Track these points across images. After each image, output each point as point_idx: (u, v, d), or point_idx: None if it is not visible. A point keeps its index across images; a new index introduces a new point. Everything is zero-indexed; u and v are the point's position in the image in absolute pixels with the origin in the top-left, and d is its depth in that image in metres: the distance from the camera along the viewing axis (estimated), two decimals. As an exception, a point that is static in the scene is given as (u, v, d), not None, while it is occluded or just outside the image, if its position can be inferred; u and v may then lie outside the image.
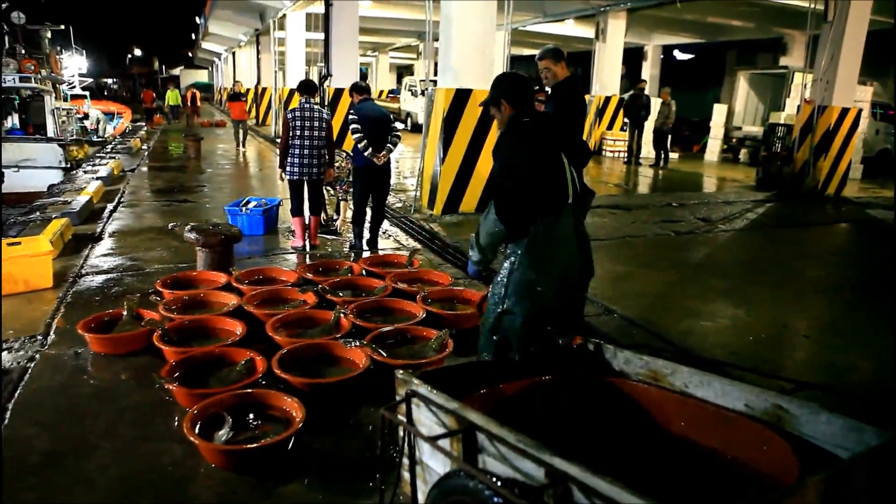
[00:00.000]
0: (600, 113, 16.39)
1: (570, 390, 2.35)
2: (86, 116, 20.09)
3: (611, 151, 16.33)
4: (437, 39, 8.68)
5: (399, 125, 6.45)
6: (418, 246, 6.80)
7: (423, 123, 8.68)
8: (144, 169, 12.69)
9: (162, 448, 2.96)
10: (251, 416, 3.09)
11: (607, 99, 16.33)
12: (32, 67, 15.11)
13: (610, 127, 16.63)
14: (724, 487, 1.99)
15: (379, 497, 2.18)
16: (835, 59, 10.52)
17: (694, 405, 2.17)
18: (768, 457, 1.89)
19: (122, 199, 9.10)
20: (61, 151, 13.93)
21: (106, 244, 6.58)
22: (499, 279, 2.92)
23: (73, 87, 22.96)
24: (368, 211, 6.44)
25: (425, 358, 3.74)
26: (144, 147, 16.67)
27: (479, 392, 2.17)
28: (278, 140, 8.06)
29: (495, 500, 1.64)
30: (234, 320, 4.15)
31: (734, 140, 17.10)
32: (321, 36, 12.46)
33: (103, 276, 5.49)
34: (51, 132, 14.91)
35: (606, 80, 16.19)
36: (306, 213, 6.44)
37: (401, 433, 2.08)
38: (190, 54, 56.49)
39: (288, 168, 6.14)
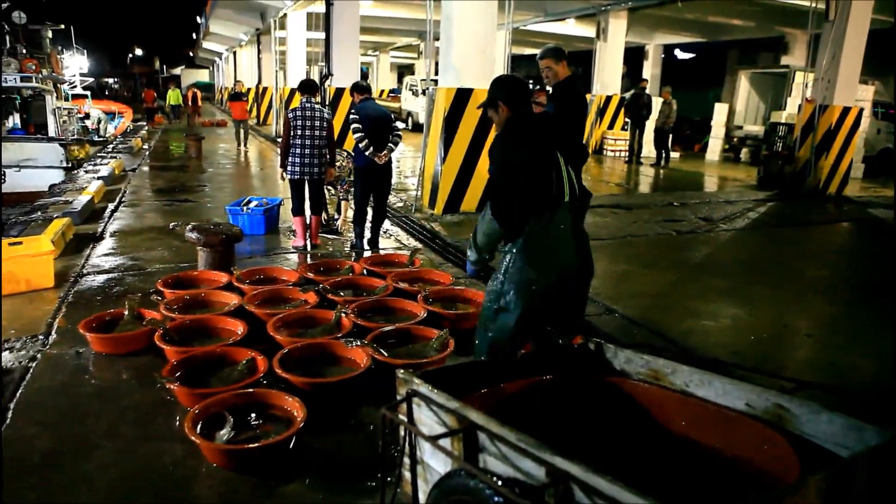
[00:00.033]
0: (601, 112, 16.38)
1: (570, 390, 2.35)
2: (87, 116, 20.10)
3: (612, 151, 16.33)
4: (437, 39, 8.68)
5: (400, 125, 6.45)
6: (419, 245, 6.80)
7: (424, 123, 8.68)
8: (146, 168, 12.70)
9: (163, 448, 2.97)
10: (252, 415, 3.09)
11: (608, 98, 16.32)
12: (34, 67, 15.11)
13: (611, 126, 16.63)
14: (724, 486, 1.99)
15: (380, 496, 2.18)
16: (836, 59, 10.51)
17: (695, 404, 2.17)
18: (769, 456, 1.89)
19: (124, 199, 9.11)
20: (62, 151, 13.93)
21: (107, 244, 6.59)
22: (495, 277, 2.94)
23: (75, 86, 22.96)
24: (369, 210, 6.44)
25: (426, 357, 3.74)
26: (145, 147, 16.69)
27: (480, 392, 2.17)
28: (279, 139, 8.06)
29: (496, 499, 1.64)
30: (235, 320, 4.16)
31: (735, 139, 17.09)
32: (322, 35, 12.47)
33: (104, 276, 5.50)
34: (52, 132, 14.92)
35: (607, 79, 16.19)
36: (307, 212, 6.44)
37: (402, 432, 2.08)
38: (191, 54, 56.54)
39: (289, 167, 6.14)
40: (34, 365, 3.76)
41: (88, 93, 24.25)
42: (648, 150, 15.37)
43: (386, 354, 3.75)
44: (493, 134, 3.18)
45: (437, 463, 1.99)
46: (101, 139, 19.45)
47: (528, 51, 24.41)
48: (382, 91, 30.93)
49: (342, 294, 4.83)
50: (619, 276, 6.06)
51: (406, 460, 2.10)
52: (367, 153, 5.92)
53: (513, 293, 2.83)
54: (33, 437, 3.03)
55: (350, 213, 6.94)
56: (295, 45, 17.60)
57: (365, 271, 5.43)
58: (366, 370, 3.54)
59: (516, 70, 28.35)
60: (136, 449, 2.96)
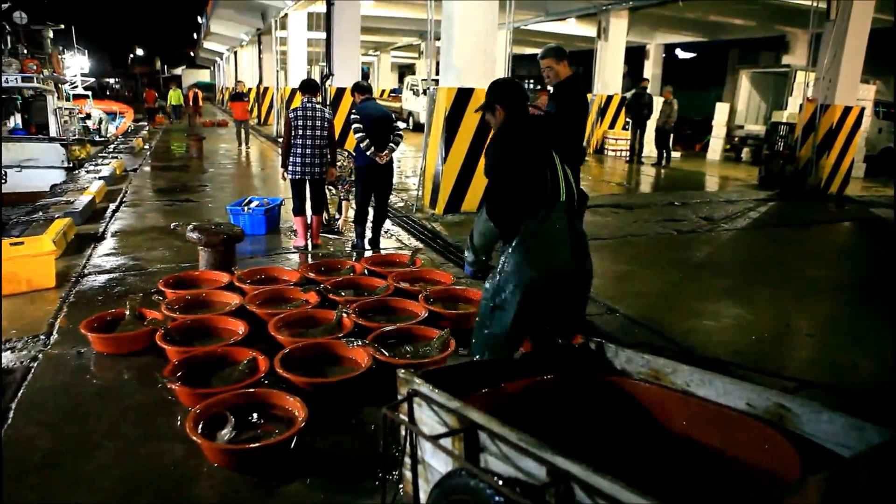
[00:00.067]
0: (602, 112, 16.38)
1: (571, 389, 2.35)
2: (88, 116, 20.12)
3: (613, 150, 16.32)
4: (438, 39, 8.68)
5: (401, 124, 6.45)
6: (420, 245, 6.80)
7: (425, 123, 8.68)
8: (147, 168, 12.71)
9: (164, 447, 2.97)
10: (254, 415, 3.10)
11: (609, 98, 16.32)
12: (35, 67, 15.12)
13: (612, 126, 16.62)
14: (725, 486, 1.99)
15: (381, 496, 2.18)
16: (837, 58, 10.50)
17: (695, 404, 2.17)
18: (770, 455, 1.89)
19: (125, 199, 9.12)
20: (64, 151, 13.94)
21: (108, 244, 6.60)
22: (493, 275, 2.96)
23: (76, 86, 22.99)
24: (371, 210, 6.44)
25: (427, 357, 3.75)
26: (147, 147, 16.70)
27: (481, 391, 2.17)
28: (280, 139, 8.07)
29: (497, 498, 1.64)
30: (236, 320, 4.16)
31: (736, 139, 17.08)
32: (323, 35, 12.48)
33: (106, 276, 5.51)
34: (53, 132, 14.93)
35: (608, 78, 16.18)
36: (308, 212, 6.45)
37: (403, 432, 2.09)
38: (192, 54, 56.55)
39: (290, 167, 6.14)
40: (36, 365, 3.77)
41: (89, 93, 24.30)
42: (649, 149, 15.36)
43: (387, 354, 3.76)
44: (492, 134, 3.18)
45: (437, 462, 1.99)
46: (103, 139, 19.48)
47: (528, 50, 24.41)
48: (383, 91, 30.93)
49: (343, 294, 4.84)
50: (620, 275, 6.06)
51: (407, 460, 2.10)
52: (368, 153, 5.92)
53: (509, 291, 2.84)
54: (34, 436, 3.03)
55: (351, 213, 6.94)
56: (296, 44, 17.61)
57: (366, 271, 5.43)
58: (367, 370, 3.54)
59: (517, 70, 28.33)
60: (137, 449, 2.96)
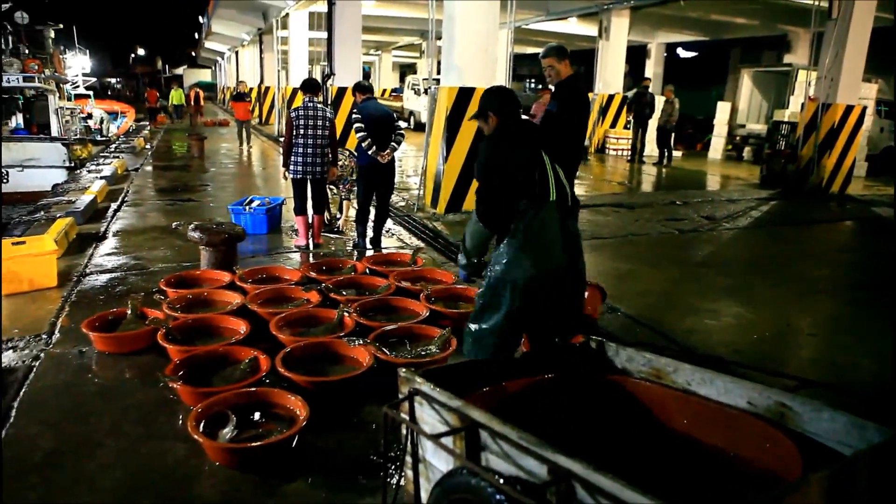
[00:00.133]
0: (604, 111, 16.37)
1: (572, 388, 2.35)
2: (89, 116, 20.13)
3: (614, 150, 16.31)
4: (439, 38, 8.68)
5: (402, 124, 6.45)
6: (422, 244, 6.80)
7: (427, 122, 8.68)
8: (148, 168, 12.73)
9: (166, 446, 2.97)
10: (255, 414, 3.10)
11: (611, 97, 16.30)
12: (36, 67, 15.13)
13: (613, 125, 16.60)
14: (727, 485, 1.99)
15: (382, 495, 2.18)
16: (839, 57, 10.49)
17: (697, 403, 2.17)
18: (771, 454, 1.89)
19: (126, 199, 9.13)
20: (65, 151, 13.94)
21: (110, 243, 6.60)
22: (485, 273, 2.99)
23: (77, 86, 23.03)
24: (372, 210, 6.44)
25: (428, 356, 3.75)
26: (148, 146, 16.72)
27: (482, 390, 2.17)
28: (281, 139, 8.07)
29: (498, 497, 1.64)
30: (237, 319, 4.16)
31: (738, 138, 17.06)
32: (324, 35, 12.48)
33: (107, 275, 5.51)
34: (55, 132, 14.94)
35: (610, 78, 16.16)
36: (310, 211, 6.45)
37: (404, 431, 2.09)
38: (193, 54, 56.57)
39: (291, 167, 6.15)
40: (37, 364, 3.77)
41: (91, 93, 24.33)
42: (651, 148, 15.34)
43: (388, 353, 3.76)
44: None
45: (439, 461, 1.99)
46: (104, 139, 19.49)
47: (530, 50, 24.39)
48: (385, 90, 30.93)
49: (344, 293, 4.84)
50: (621, 274, 6.06)
51: (408, 459, 2.10)
52: (369, 152, 5.93)
53: (499, 290, 2.86)
54: (36, 435, 3.04)
55: (352, 213, 6.95)
56: (297, 44, 17.62)
57: (367, 270, 5.43)
58: (368, 369, 3.54)
59: (518, 69, 28.27)
60: (138, 448, 2.96)
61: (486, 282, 2.93)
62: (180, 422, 3.15)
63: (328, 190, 6.91)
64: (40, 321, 4.43)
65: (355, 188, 6.71)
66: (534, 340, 3.09)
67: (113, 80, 64.88)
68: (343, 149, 7.30)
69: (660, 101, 14.72)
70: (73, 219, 7.00)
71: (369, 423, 3.23)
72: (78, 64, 25.13)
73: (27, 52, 16.42)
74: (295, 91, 15.90)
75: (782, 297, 5.64)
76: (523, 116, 3.29)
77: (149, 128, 23.36)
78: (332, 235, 7.07)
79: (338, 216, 7.42)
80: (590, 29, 18.62)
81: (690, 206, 9.62)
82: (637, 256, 6.82)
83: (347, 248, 6.62)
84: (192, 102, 24.66)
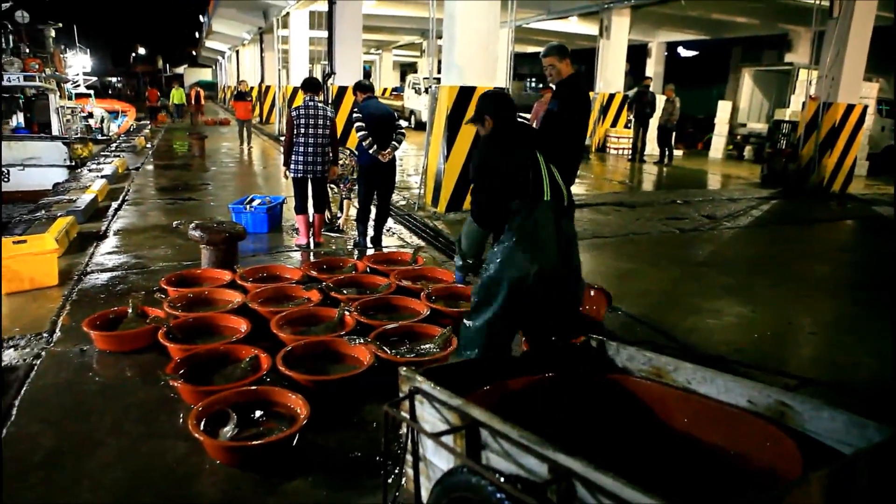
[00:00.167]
0: (604, 110, 16.36)
1: (573, 387, 2.35)
2: (90, 115, 20.14)
3: (615, 149, 16.30)
4: (440, 37, 8.68)
5: (403, 123, 6.45)
6: (422, 243, 6.80)
7: (427, 121, 8.68)
8: (149, 167, 12.73)
9: (167, 445, 2.98)
10: (256, 412, 3.10)
11: (611, 96, 16.30)
12: (37, 66, 15.14)
13: (614, 124, 16.60)
14: (727, 483, 1.99)
15: (382, 493, 2.18)
16: (840, 56, 10.48)
17: (697, 401, 2.17)
18: (771, 453, 1.89)
19: (127, 198, 9.13)
20: (66, 150, 13.94)
21: (111, 242, 6.61)
22: (481, 271, 3.01)
23: (78, 85, 23.02)
24: (373, 209, 6.44)
25: (429, 355, 3.75)
26: (149, 145, 16.72)
27: (483, 389, 2.17)
28: (282, 138, 8.07)
29: (498, 496, 1.64)
30: (238, 318, 4.16)
31: (739, 137, 17.05)
32: (325, 34, 12.49)
33: (108, 274, 5.52)
34: (55, 130, 14.94)
35: (610, 77, 16.16)
36: (310, 210, 6.45)
37: (404, 430, 2.09)
38: (194, 53, 56.59)
39: (292, 166, 6.15)
40: (38, 362, 3.78)
41: (92, 92, 24.32)
42: (651, 147, 15.33)
43: (389, 352, 3.76)
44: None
45: (439, 460, 1.99)
46: (105, 138, 19.50)
47: (530, 49, 24.37)
48: (385, 89, 30.93)
49: (345, 292, 4.84)
50: (622, 273, 6.06)
51: (408, 457, 2.10)
52: (370, 151, 5.93)
53: (492, 287, 2.88)
54: (37, 434, 3.04)
55: (353, 212, 6.95)
56: (297, 43, 17.62)
57: (368, 269, 5.44)
58: (369, 368, 3.54)
59: (519, 68, 28.22)
60: (139, 446, 2.97)
61: (481, 279, 2.95)
62: (181, 420, 3.15)
63: (329, 189, 6.92)
64: (41, 320, 4.44)
65: (356, 187, 6.72)
66: (531, 340, 3.10)
67: (114, 79, 64.92)
68: (344, 148, 7.31)
69: (661, 101, 14.72)
70: (73, 218, 7.01)
71: (370, 421, 3.23)
72: (79, 63, 25.14)
73: (28, 51, 16.43)
74: (295, 90, 15.89)
75: (783, 296, 5.64)
76: (525, 118, 3.32)
77: (149, 127, 23.36)
78: (332, 234, 7.08)
79: (338, 215, 7.42)
80: (591, 28, 18.62)
81: (691, 205, 9.62)
82: (638, 255, 6.82)
83: (348, 246, 6.63)
84: (193, 101, 24.66)
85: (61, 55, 19.98)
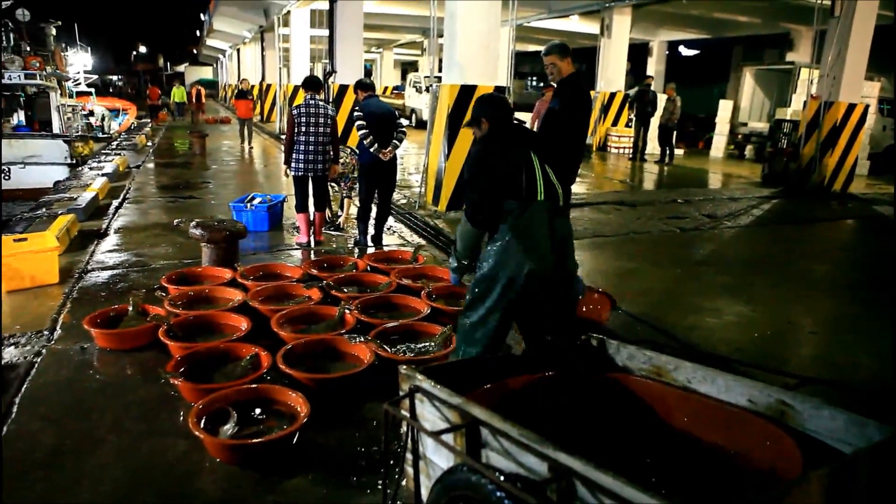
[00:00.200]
0: (605, 109, 16.35)
1: (573, 386, 2.35)
2: (91, 113, 20.14)
3: (616, 148, 16.29)
4: (441, 36, 8.68)
5: (404, 121, 6.45)
6: (423, 242, 6.80)
7: (428, 120, 8.68)
8: (150, 165, 12.73)
9: (167, 443, 2.98)
10: (256, 411, 3.11)
11: (612, 95, 16.29)
12: (38, 64, 15.14)
13: (615, 123, 16.59)
14: (727, 482, 1.99)
15: (382, 492, 2.19)
16: (841, 55, 10.47)
17: (697, 401, 2.17)
18: (771, 452, 1.89)
19: (128, 196, 9.13)
20: (67, 148, 13.96)
21: (111, 240, 6.61)
22: (476, 269, 3.03)
23: (79, 83, 23.00)
24: (373, 207, 6.44)
25: (429, 354, 3.75)
26: (150, 144, 16.72)
27: (483, 387, 2.17)
28: (283, 136, 8.07)
29: (498, 494, 1.64)
30: (239, 316, 4.17)
31: (740, 136, 17.04)
32: (326, 32, 12.48)
33: (109, 272, 5.52)
34: (56, 129, 14.94)
35: (611, 76, 16.15)
36: (311, 209, 6.45)
37: (404, 428, 2.09)
38: (194, 51, 56.59)
39: (293, 164, 6.15)
40: (39, 360, 3.78)
41: (93, 90, 24.30)
42: (652, 146, 15.32)
43: (389, 350, 3.76)
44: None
45: (439, 458, 1.99)
46: (106, 136, 19.50)
47: (531, 47, 24.35)
48: (386, 88, 30.94)
49: (346, 290, 4.84)
50: (622, 272, 6.06)
51: (408, 456, 2.10)
52: (371, 150, 5.93)
53: (485, 285, 2.90)
54: (38, 431, 3.04)
55: (353, 210, 6.95)
56: (298, 42, 17.61)
57: (368, 268, 5.44)
58: (369, 366, 3.55)
59: (520, 67, 28.17)
60: (140, 444, 2.97)
61: (475, 277, 2.97)
62: (181, 418, 3.16)
63: (330, 187, 6.92)
64: (42, 317, 4.44)
65: (357, 185, 6.72)
66: (526, 338, 3.12)
67: (115, 78, 64.95)
68: (345, 146, 7.31)
69: (662, 100, 14.70)
70: (74, 216, 7.01)
71: (370, 419, 3.23)
72: (79, 61, 25.12)
73: (29, 49, 16.42)
74: (296, 88, 15.87)
75: (783, 295, 5.64)
76: (521, 120, 3.34)
77: (150, 125, 23.37)
78: (333, 233, 7.08)
79: (339, 213, 7.42)
80: (592, 27, 18.61)
81: (692, 205, 9.61)
82: (639, 254, 6.82)
83: (349, 245, 6.63)
84: (194, 100, 24.65)
85: (62, 53, 19.97)
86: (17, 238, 5.21)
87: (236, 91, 18.17)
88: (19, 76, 14.69)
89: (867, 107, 11.55)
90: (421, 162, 9.20)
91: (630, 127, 16.13)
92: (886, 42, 11.77)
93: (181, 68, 58.37)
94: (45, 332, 4.18)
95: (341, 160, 6.71)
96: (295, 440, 2.94)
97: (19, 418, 3.16)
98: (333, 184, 7.08)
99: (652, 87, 15.05)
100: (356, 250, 6.35)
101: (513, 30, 9.01)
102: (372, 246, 6.42)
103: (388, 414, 2.06)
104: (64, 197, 8.69)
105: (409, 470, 2.12)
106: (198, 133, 15.28)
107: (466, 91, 7.82)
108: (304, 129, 6.02)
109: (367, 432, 3.13)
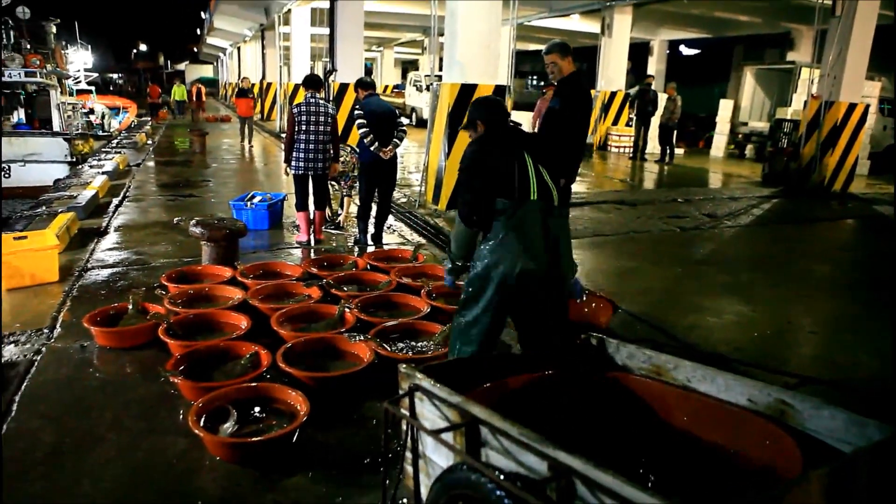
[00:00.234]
0: (606, 108, 16.35)
1: (573, 385, 2.35)
2: (91, 111, 20.12)
3: (616, 147, 16.28)
4: (442, 34, 8.67)
5: (404, 120, 6.45)
6: (423, 241, 6.80)
7: (428, 118, 8.68)
8: (150, 164, 12.73)
9: (167, 441, 2.98)
10: (256, 409, 3.11)
11: (613, 94, 16.28)
12: (38, 62, 15.12)
13: (615, 122, 16.58)
14: (727, 481, 1.99)
15: (382, 490, 2.19)
16: (842, 55, 10.46)
17: (697, 400, 2.17)
18: (771, 451, 1.89)
19: (128, 194, 9.13)
20: (67, 146, 13.94)
21: (111, 238, 6.61)
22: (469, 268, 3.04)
23: (79, 81, 23.01)
24: (373, 206, 6.44)
25: (429, 352, 3.75)
26: (150, 142, 16.72)
27: (483, 386, 2.17)
28: (283, 135, 8.06)
29: (498, 493, 1.64)
30: (238, 314, 4.17)
31: (740, 136, 17.02)
32: (326, 31, 12.46)
33: (109, 270, 5.52)
34: (56, 127, 14.92)
35: (612, 75, 16.13)
36: (311, 207, 6.45)
37: (404, 427, 2.09)
38: (195, 49, 56.56)
39: (293, 163, 6.15)
40: (39, 358, 3.78)
41: (93, 88, 24.31)
42: (653, 146, 15.31)
43: (389, 349, 3.76)
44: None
45: (439, 457, 1.99)
46: (106, 134, 19.48)
47: (532, 46, 24.34)
48: (386, 87, 30.92)
49: (346, 289, 4.84)
50: (622, 271, 6.06)
51: (408, 454, 2.10)
52: (371, 148, 5.93)
53: (478, 284, 2.90)
54: (38, 429, 3.05)
55: (353, 209, 6.95)
56: (299, 40, 17.59)
57: (368, 266, 5.44)
58: (369, 365, 3.55)
59: (521, 66, 28.16)
60: (139, 442, 2.97)
61: (469, 276, 2.98)
62: (181, 416, 3.16)
63: (330, 186, 6.91)
64: (42, 316, 4.44)
65: (357, 184, 6.71)
66: (520, 337, 3.13)
67: (115, 76, 64.94)
68: (345, 145, 7.30)
69: (662, 99, 14.70)
70: (74, 214, 7.01)
71: (370, 418, 3.23)
72: (80, 59, 25.15)
73: (29, 47, 16.40)
74: (297, 87, 15.86)
75: (783, 295, 5.64)
76: (516, 123, 3.35)
77: (150, 123, 23.36)
78: (333, 231, 7.07)
79: (339, 212, 7.42)
80: (592, 26, 18.59)
81: (692, 204, 9.61)
82: (639, 254, 6.82)
83: (349, 244, 6.63)
84: (194, 98, 24.64)
85: (62, 51, 19.96)
86: (17, 236, 5.21)
87: (237, 89, 18.16)
88: (19, 74, 14.67)
89: (868, 106, 11.54)
90: (421, 161, 9.20)
91: (630, 126, 16.12)
92: (887, 42, 11.76)
93: (181, 66, 58.33)
94: (45, 330, 4.18)
95: (341, 159, 6.71)
96: (295, 438, 2.94)
97: (19, 416, 3.16)
98: (334, 182, 7.08)
99: (652, 87, 15.04)
100: (356, 249, 6.35)
101: (513, 29, 9.01)
102: (372, 244, 6.42)
103: (387, 412, 2.06)
104: (64, 195, 8.69)
105: (409, 469, 2.12)
106: (198, 131, 15.27)
107: (467, 90, 7.81)
108: (304, 127, 6.02)
109: (367, 431, 3.13)
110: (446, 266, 3.20)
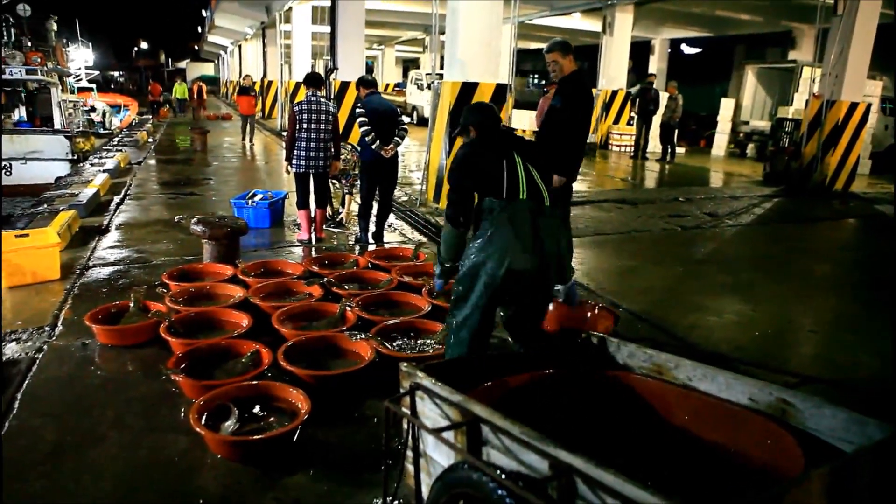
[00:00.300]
0: (607, 107, 16.34)
1: (574, 384, 2.36)
2: (92, 109, 20.12)
3: (617, 146, 16.27)
4: (443, 33, 8.66)
5: (405, 119, 6.45)
6: (424, 239, 6.80)
7: (430, 117, 8.67)
8: (151, 161, 12.73)
9: (168, 439, 2.98)
10: (257, 407, 3.11)
11: (614, 93, 16.27)
12: (39, 60, 15.11)
13: (617, 121, 16.57)
14: (728, 480, 2.00)
15: (383, 489, 2.19)
16: (844, 54, 10.45)
17: (698, 399, 2.17)
18: (772, 450, 1.89)
19: (129, 192, 9.14)
20: (68, 144, 13.95)
21: (113, 236, 6.61)
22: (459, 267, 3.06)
23: (80, 79, 23.00)
24: (375, 204, 6.44)
25: (430, 351, 3.76)
26: (151, 140, 16.72)
27: (484, 385, 2.17)
28: (284, 133, 8.06)
29: (499, 492, 1.65)
30: (240, 312, 4.17)
31: (741, 135, 17.01)
32: (327, 29, 12.45)
33: (110, 268, 5.52)
34: (58, 124, 14.94)
35: (613, 73, 16.13)
36: (312, 206, 6.45)
37: (405, 425, 2.09)
38: (196, 47, 56.52)
39: (294, 161, 6.15)
40: (40, 356, 3.79)
41: (94, 86, 24.29)
42: (654, 145, 15.30)
43: (390, 347, 3.77)
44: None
45: (440, 456, 1.99)
46: (107, 132, 19.48)
47: (533, 45, 24.32)
48: (387, 85, 30.91)
49: (347, 287, 4.84)
50: (623, 270, 6.06)
51: (409, 453, 2.11)
52: (373, 147, 5.93)
53: (467, 284, 2.91)
54: (39, 427, 3.05)
55: (354, 207, 6.95)
56: (300, 38, 17.59)
57: (369, 265, 5.44)
58: (370, 363, 3.55)
59: (522, 64, 28.17)
60: (141, 440, 2.97)
61: (458, 275, 2.99)
62: (182, 414, 3.16)
63: (331, 184, 6.92)
64: (43, 313, 4.44)
65: (358, 182, 6.71)
66: (511, 335, 3.14)
67: (116, 74, 64.94)
68: (346, 143, 7.30)
69: (664, 98, 14.69)
70: (76, 212, 7.02)
71: (370, 417, 3.23)
72: (81, 57, 25.13)
73: (30, 44, 16.38)
74: (298, 85, 15.86)
75: (784, 294, 5.64)
76: (509, 127, 3.38)
77: (152, 121, 23.35)
78: (334, 230, 7.08)
79: (340, 210, 7.42)
80: (594, 24, 18.58)
81: (693, 203, 9.61)
82: (640, 253, 6.82)
83: (350, 242, 6.63)
84: (195, 96, 24.64)
85: (63, 49, 19.92)
86: (18, 234, 5.21)
87: (239, 87, 18.15)
88: (20, 72, 14.68)
89: (869, 106, 11.53)
90: (422, 159, 9.20)
91: (632, 125, 16.11)
92: (889, 41, 11.75)
93: (183, 64, 58.32)
94: (47, 329, 4.18)
95: (343, 157, 6.71)
96: (296, 437, 2.94)
97: (20, 414, 3.17)
98: (335, 180, 7.08)
99: (654, 86, 15.03)
100: (357, 247, 6.35)
101: (514, 27, 9.00)
102: (373, 243, 6.42)
103: (388, 411, 2.06)
104: (65, 193, 8.69)
105: (410, 467, 2.12)
106: (199, 129, 15.27)
107: (468, 88, 7.81)
108: (305, 125, 6.02)
109: (368, 429, 3.13)
110: (436, 269, 3.22)
